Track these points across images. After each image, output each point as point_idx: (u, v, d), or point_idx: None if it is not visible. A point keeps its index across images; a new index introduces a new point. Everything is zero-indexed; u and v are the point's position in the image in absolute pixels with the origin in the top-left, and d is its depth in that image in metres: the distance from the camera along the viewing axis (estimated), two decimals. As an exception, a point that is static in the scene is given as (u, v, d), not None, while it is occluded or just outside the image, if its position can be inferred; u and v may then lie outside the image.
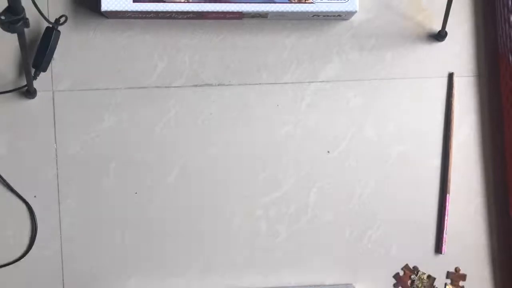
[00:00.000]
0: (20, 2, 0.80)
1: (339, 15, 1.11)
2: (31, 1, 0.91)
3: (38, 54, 1.09)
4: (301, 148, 1.14)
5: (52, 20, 1.09)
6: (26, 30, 0.88)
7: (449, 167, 1.12)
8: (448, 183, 1.12)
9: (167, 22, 1.14)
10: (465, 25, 1.15)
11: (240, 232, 1.14)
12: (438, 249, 1.14)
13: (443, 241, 1.12)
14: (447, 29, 1.11)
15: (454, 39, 1.14)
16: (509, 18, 1.06)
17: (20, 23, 0.82)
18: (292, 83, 1.15)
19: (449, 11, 1.04)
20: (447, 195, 1.12)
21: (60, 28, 1.10)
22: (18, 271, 1.12)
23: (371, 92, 1.15)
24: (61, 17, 1.10)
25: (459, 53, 1.15)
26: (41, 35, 1.10)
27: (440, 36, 1.12)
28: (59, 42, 1.12)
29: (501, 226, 1.13)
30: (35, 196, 1.13)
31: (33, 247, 1.12)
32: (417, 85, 1.15)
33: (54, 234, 1.13)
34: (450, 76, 1.14)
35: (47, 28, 1.09)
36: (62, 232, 1.13)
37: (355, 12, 1.08)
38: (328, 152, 1.14)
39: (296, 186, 1.14)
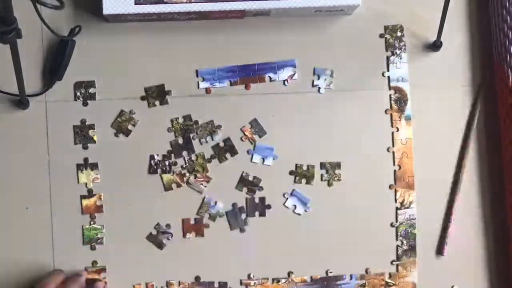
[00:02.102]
0: (12, 13, 0.79)
1: (341, 10, 1.09)
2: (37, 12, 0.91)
3: (53, 62, 1.10)
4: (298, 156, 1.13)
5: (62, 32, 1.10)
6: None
7: (462, 169, 1.12)
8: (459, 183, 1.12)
9: (168, 25, 1.13)
10: (460, 35, 1.14)
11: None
12: (439, 251, 1.12)
13: (445, 243, 1.11)
14: (442, 39, 1.11)
15: (449, 49, 1.13)
16: (504, 28, 1.06)
17: (12, 34, 0.82)
18: (288, 93, 1.14)
19: (444, 21, 1.04)
20: (456, 196, 1.11)
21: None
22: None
23: (367, 101, 1.13)
24: (76, 27, 1.11)
25: (454, 63, 1.14)
26: (57, 44, 1.11)
27: (435, 46, 1.12)
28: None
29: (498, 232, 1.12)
30: (27, 208, 1.11)
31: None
32: (414, 95, 1.13)
33: (46, 246, 1.11)
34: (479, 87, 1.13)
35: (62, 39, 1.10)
36: (55, 245, 1.11)
37: (358, 5, 1.07)
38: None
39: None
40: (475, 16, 1.14)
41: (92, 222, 1.11)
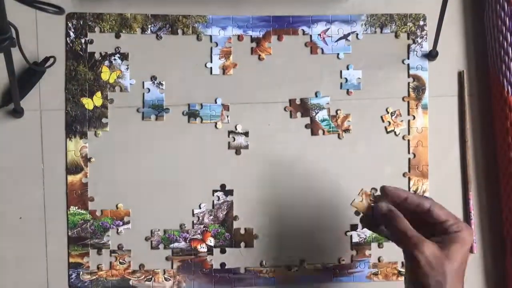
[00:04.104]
0: (6, 21, 0.78)
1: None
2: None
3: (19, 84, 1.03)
4: (295, 168, 1.10)
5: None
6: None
7: (468, 165, 1.11)
8: (469, 181, 1.11)
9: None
10: (456, 45, 1.13)
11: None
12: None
13: (473, 241, 1.10)
14: (438, 48, 1.09)
15: (444, 58, 1.11)
16: (499, 38, 1.07)
17: (6, 43, 0.81)
18: (283, 102, 1.10)
19: (439, 31, 1.03)
20: (469, 192, 1.11)
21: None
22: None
23: (364, 111, 1.11)
24: (50, 57, 1.06)
25: (449, 73, 1.12)
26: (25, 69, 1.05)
27: (431, 56, 1.11)
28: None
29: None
30: (20, 218, 1.07)
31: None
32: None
33: (40, 256, 1.07)
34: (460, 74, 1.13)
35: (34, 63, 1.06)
36: (48, 255, 1.07)
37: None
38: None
39: (287, 208, 1.09)
40: (471, 27, 1.13)
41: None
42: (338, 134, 1.10)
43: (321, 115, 1.10)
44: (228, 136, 1.09)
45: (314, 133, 1.10)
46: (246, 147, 1.09)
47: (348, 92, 1.10)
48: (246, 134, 1.08)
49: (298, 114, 1.10)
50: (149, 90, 1.08)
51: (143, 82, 1.09)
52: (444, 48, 1.10)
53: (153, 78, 1.09)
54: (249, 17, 1.10)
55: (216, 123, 1.09)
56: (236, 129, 1.09)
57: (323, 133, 1.10)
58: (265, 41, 1.10)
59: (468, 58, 1.13)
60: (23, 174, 1.07)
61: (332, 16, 1.11)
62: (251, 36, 1.10)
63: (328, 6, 1.11)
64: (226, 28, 1.09)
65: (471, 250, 1.10)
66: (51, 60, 1.06)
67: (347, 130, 1.10)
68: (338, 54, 1.11)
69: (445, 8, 0.96)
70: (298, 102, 1.09)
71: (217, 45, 1.09)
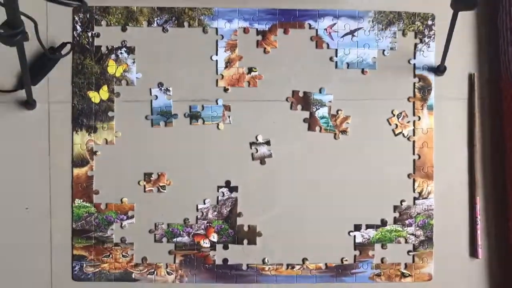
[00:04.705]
0: (19, 16, 0.78)
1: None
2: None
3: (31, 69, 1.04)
4: (299, 167, 1.10)
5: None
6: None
7: (475, 169, 1.10)
8: (476, 185, 1.10)
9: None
10: (468, 47, 1.11)
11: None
12: (474, 253, 1.11)
13: (478, 245, 1.10)
14: (449, 52, 1.06)
15: (455, 60, 1.09)
16: None
17: (19, 37, 0.80)
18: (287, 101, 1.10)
19: (448, 48, 1.02)
20: (476, 197, 1.10)
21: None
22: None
23: (368, 110, 1.10)
24: (67, 43, 1.06)
25: (459, 75, 1.11)
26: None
27: (439, 70, 1.09)
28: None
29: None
30: (26, 208, 1.08)
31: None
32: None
33: (44, 247, 1.08)
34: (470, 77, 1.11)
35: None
36: (53, 246, 1.08)
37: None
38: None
39: (291, 206, 1.10)
40: (483, 29, 1.11)
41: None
42: (334, 134, 1.10)
43: (321, 112, 1.10)
44: (251, 148, 1.09)
45: (311, 128, 1.10)
46: (270, 155, 1.09)
47: (363, 72, 1.10)
48: (267, 143, 1.09)
49: (299, 106, 1.10)
50: (156, 97, 1.09)
51: (150, 89, 1.09)
52: (455, 50, 1.08)
53: (160, 85, 1.09)
54: (255, 9, 1.10)
55: (218, 124, 1.09)
56: (257, 139, 1.09)
57: (320, 130, 1.10)
58: (271, 34, 1.10)
59: (479, 61, 1.11)
60: (30, 165, 1.07)
61: (339, 11, 1.11)
62: (257, 29, 1.10)
63: (335, 0, 1.11)
64: (232, 20, 1.09)
65: (476, 256, 1.10)
66: (68, 46, 1.05)
67: (344, 132, 1.10)
68: (344, 49, 1.10)
69: (454, 25, 0.94)
70: (301, 94, 1.10)
71: (223, 37, 1.09)
